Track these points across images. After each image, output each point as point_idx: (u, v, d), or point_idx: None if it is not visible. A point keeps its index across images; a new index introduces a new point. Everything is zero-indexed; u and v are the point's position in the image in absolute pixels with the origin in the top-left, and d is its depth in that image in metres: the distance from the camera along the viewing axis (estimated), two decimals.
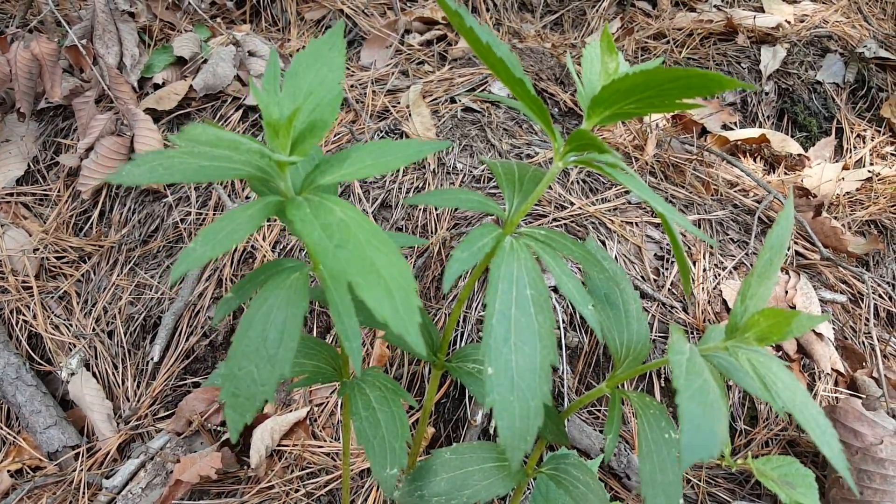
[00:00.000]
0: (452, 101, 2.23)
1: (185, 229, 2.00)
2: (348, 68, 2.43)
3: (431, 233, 1.87)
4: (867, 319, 1.92)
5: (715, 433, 0.58)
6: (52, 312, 1.97)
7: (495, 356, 0.67)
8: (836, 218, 2.23)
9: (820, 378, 1.78)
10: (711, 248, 1.93)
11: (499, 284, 0.70)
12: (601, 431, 1.67)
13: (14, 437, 1.79)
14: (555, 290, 1.68)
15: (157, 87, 2.26)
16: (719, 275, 1.86)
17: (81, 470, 1.68)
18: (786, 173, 2.44)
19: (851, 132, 2.62)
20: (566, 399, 1.66)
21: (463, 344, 1.70)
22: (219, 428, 1.72)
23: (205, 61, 2.31)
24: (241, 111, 2.22)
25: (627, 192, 1.97)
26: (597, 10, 3.01)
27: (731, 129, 2.55)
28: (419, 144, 0.66)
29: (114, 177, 0.57)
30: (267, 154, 0.56)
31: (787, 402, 0.69)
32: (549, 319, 0.70)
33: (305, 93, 0.64)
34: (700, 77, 0.61)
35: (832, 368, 1.78)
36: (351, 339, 0.60)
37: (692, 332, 1.74)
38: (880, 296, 2.02)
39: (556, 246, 0.79)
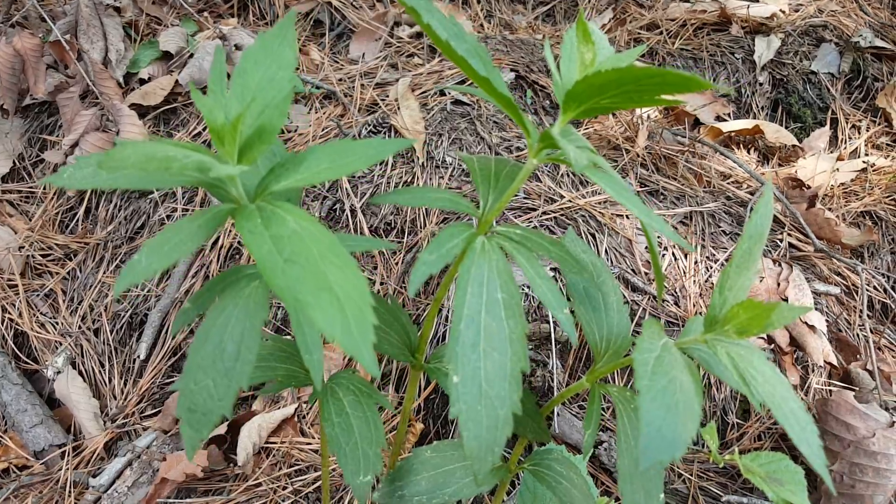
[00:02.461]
0: (442, 93, 2.21)
1: None
2: (336, 61, 2.41)
3: (420, 227, 1.85)
4: (861, 311, 1.90)
5: (677, 435, 0.57)
6: (38, 310, 1.95)
7: (462, 363, 0.65)
8: (830, 209, 2.21)
9: (813, 370, 1.76)
10: (703, 240, 1.91)
11: (468, 288, 0.68)
12: None
13: (0, 436, 1.78)
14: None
15: (142, 82, 2.24)
16: (711, 267, 1.85)
17: (68, 468, 1.67)
18: (780, 164, 2.42)
19: (846, 123, 2.59)
20: (555, 394, 1.64)
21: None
22: None
23: (191, 56, 2.28)
24: None
25: None
26: (589, 1, 2.98)
27: (725, 120, 2.53)
28: (379, 144, 0.63)
29: (54, 179, 0.54)
30: (207, 167, 0.53)
31: (765, 397, 0.68)
32: (521, 324, 0.68)
33: (253, 94, 0.62)
34: (676, 76, 0.59)
35: (825, 361, 1.77)
36: (311, 352, 0.58)
37: (682, 326, 1.73)
38: (874, 288, 2.00)
39: (531, 246, 0.77)
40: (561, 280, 1.68)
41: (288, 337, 1.65)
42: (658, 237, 1.84)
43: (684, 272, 1.82)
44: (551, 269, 1.71)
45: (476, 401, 0.64)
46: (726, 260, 1.87)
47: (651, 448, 0.58)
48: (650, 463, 0.57)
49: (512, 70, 2.34)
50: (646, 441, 0.58)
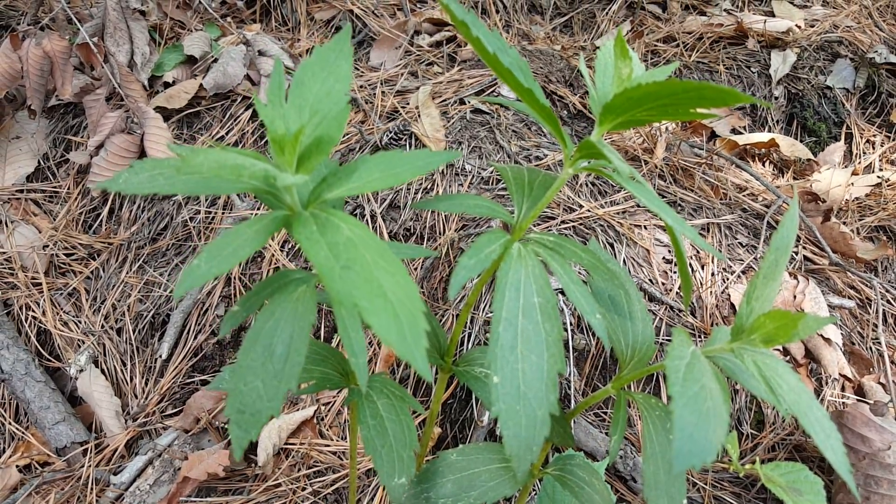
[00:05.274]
0: (462, 102, 2.23)
1: (193, 227, 2.01)
2: (357, 68, 2.44)
3: (440, 234, 1.87)
4: (875, 325, 1.91)
5: (709, 441, 0.58)
6: (62, 309, 1.98)
7: (501, 365, 0.67)
8: (844, 223, 2.22)
9: (827, 383, 1.77)
10: (719, 252, 1.93)
11: (505, 292, 0.70)
12: (607, 434, 1.67)
13: (23, 433, 1.80)
14: (561, 292, 1.68)
15: (167, 85, 2.27)
16: (727, 278, 1.86)
17: (89, 466, 1.69)
18: (795, 178, 2.43)
19: (861, 137, 2.61)
20: (572, 401, 1.66)
21: (470, 345, 1.70)
22: (226, 426, 1.73)
23: (215, 60, 2.32)
24: (250, 110, 2.23)
25: None
26: (606, 13, 3.01)
27: (741, 133, 2.55)
28: (428, 156, 0.65)
29: (111, 184, 0.56)
30: (272, 176, 0.55)
31: (791, 405, 0.69)
32: (557, 328, 0.70)
33: (311, 106, 0.63)
34: (714, 90, 0.61)
35: (840, 373, 1.78)
36: (357, 355, 0.59)
37: (699, 336, 1.74)
38: (888, 301, 2.01)
39: (564, 253, 0.78)
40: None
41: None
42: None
43: (701, 283, 1.83)
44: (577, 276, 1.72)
45: (515, 401, 0.66)
46: (743, 272, 1.89)
47: (683, 453, 0.59)
48: (683, 468, 0.59)
49: None
50: (678, 447, 0.59)
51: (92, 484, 1.65)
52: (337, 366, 0.92)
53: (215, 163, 0.49)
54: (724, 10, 3.00)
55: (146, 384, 1.87)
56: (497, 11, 2.87)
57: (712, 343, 0.84)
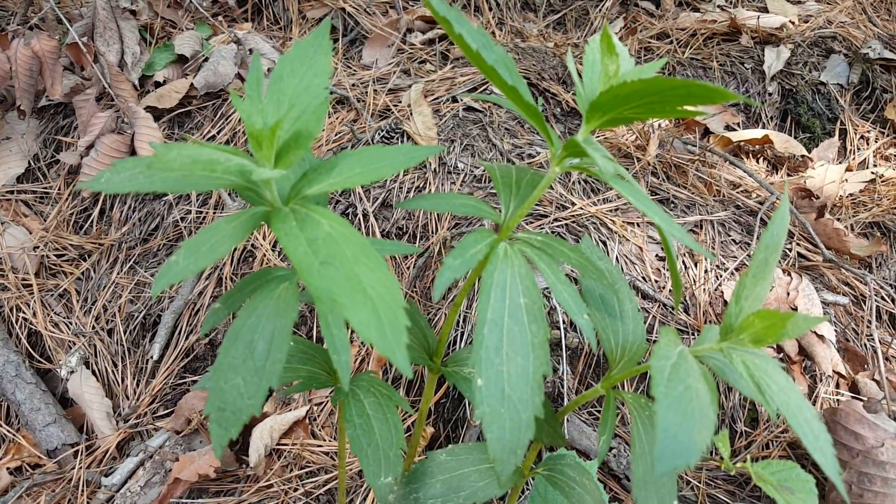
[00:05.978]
0: (454, 100, 2.22)
1: (185, 228, 2.00)
2: (349, 67, 2.43)
3: (432, 232, 1.86)
4: (869, 321, 1.91)
5: (692, 442, 0.57)
6: (52, 310, 1.97)
7: (486, 367, 0.66)
8: (838, 219, 2.22)
9: (821, 380, 1.77)
10: (713, 249, 1.92)
11: (491, 293, 0.69)
12: None
13: (13, 435, 1.79)
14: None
15: (157, 85, 2.26)
16: (721, 276, 1.86)
17: (80, 468, 1.68)
18: (789, 174, 2.43)
19: (855, 133, 2.60)
20: (566, 399, 1.65)
21: (462, 344, 1.70)
22: None
23: (206, 60, 2.30)
24: None
25: None
26: (600, 10, 3.00)
27: (734, 129, 2.54)
28: (410, 150, 0.64)
29: (92, 183, 0.56)
30: (248, 171, 0.54)
31: (780, 406, 0.69)
32: (543, 329, 0.69)
33: (290, 100, 0.63)
34: (701, 88, 0.60)
35: (833, 370, 1.77)
36: (339, 353, 0.58)
37: (692, 334, 1.74)
38: (882, 298, 2.01)
39: (552, 252, 0.78)
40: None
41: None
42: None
43: (694, 281, 1.83)
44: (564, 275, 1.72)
45: (499, 404, 0.65)
46: (736, 269, 1.88)
47: (667, 454, 0.59)
48: (666, 469, 0.58)
49: (524, 77, 2.35)
50: (662, 447, 0.59)
51: (83, 486, 1.64)
52: (324, 364, 0.92)
53: (188, 158, 0.49)
54: (718, 6, 3.00)
55: (137, 385, 1.86)
56: (490, 9, 2.86)
57: (702, 342, 0.84)
